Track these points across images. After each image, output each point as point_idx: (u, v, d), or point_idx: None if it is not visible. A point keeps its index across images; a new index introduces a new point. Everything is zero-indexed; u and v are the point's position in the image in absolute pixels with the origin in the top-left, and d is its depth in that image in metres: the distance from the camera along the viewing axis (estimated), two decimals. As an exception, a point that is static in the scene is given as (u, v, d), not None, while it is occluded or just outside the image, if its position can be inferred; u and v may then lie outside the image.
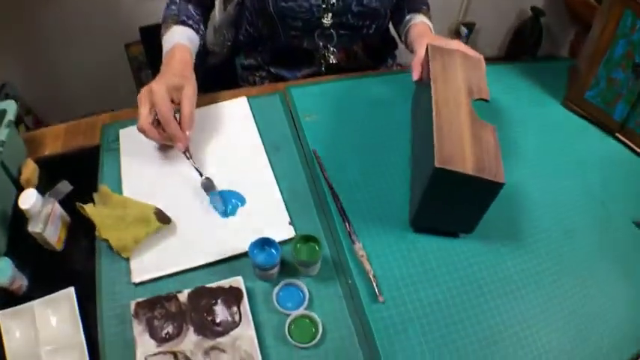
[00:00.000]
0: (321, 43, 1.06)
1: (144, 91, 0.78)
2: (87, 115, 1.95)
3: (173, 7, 0.94)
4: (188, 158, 0.82)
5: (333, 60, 1.10)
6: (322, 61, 1.11)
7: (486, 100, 0.79)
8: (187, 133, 0.80)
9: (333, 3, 0.98)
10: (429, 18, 1.06)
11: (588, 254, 0.82)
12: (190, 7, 0.95)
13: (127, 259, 0.74)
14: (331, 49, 1.08)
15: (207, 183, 0.81)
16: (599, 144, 1.01)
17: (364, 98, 1.02)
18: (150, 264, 0.73)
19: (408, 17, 1.05)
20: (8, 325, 0.68)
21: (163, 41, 0.91)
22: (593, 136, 1.02)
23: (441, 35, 0.97)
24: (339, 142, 0.92)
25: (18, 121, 1.83)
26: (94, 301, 0.71)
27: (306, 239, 0.71)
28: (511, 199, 0.86)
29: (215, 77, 1.27)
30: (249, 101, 0.97)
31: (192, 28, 0.92)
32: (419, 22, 1.02)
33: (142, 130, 0.78)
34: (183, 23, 0.91)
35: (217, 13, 1.15)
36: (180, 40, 0.87)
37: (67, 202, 0.81)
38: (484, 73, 0.84)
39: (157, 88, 0.77)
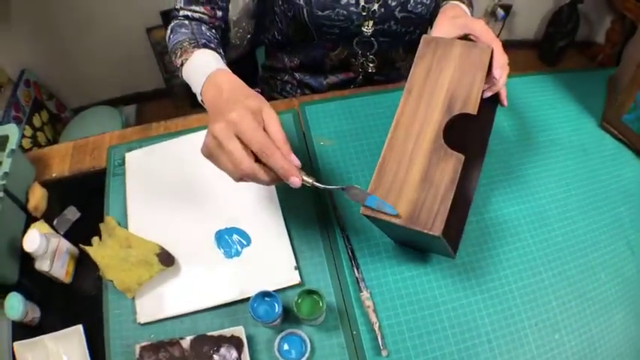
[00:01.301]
0: (359, 52, 0.99)
1: (221, 128, 0.55)
2: (112, 99, 1.95)
3: (184, 30, 0.78)
4: (312, 185, 0.60)
5: (372, 69, 1.03)
6: (360, 69, 1.03)
7: (472, 115, 0.65)
8: (292, 158, 0.58)
9: (375, 10, 0.89)
10: (469, 5, 0.90)
11: (607, 297, 0.78)
12: (204, 28, 0.80)
13: (133, 298, 0.74)
14: (370, 57, 1.00)
15: (355, 192, 0.62)
16: (633, 171, 0.94)
17: (389, 118, 0.95)
18: (154, 305, 0.74)
19: (442, 4, 0.92)
20: (24, 356, 0.71)
21: (186, 73, 0.72)
22: (627, 162, 0.95)
23: (477, 17, 0.82)
24: (357, 175, 0.87)
25: (40, 107, 1.85)
26: (103, 332, 0.72)
27: (309, 292, 0.69)
28: (530, 231, 0.82)
29: (235, 73, 1.22)
30: (258, 122, 0.93)
31: (217, 53, 0.73)
32: (450, 4, 0.85)
33: (249, 174, 0.56)
34: (206, 46, 0.73)
35: (231, 7, 1.08)
36: (219, 66, 0.68)
37: (75, 228, 0.83)
38: (485, 68, 0.67)
39: (239, 114, 0.55)
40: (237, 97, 0.60)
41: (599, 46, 2.48)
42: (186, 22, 0.81)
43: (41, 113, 1.83)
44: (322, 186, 0.60)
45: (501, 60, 0.68)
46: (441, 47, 0.70)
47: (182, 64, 0.73)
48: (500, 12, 2.17)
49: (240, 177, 0.57)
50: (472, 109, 0.65)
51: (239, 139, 0.55)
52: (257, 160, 0.56)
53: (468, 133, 0.71)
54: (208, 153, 0.58)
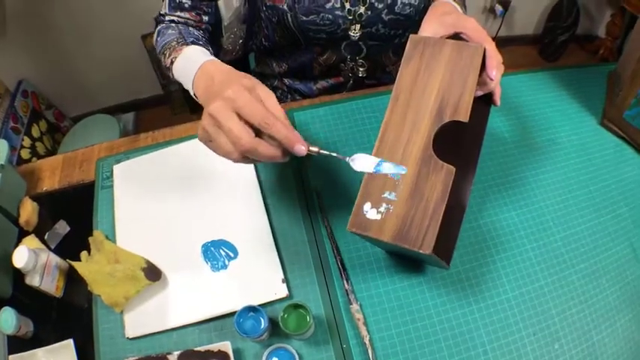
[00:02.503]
0: (348, 56, 0.97)
1: (217, 106, 0.53)
2: (110, 107, 1.95)
3: (171, 31, 0.79)
4: (318, 153, 0.58)
5: (362, 73, 1.00)
6: (350, 74, 1.01)
7: (463, 122, 0.61)
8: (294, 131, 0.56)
9: (362, 13, 0.87)
10: (461, 4, 0.86)
11: (609, 303, 0.75)
12: (191, 29, 0.82)
13: (121, 313, 0.73)
14: (360, 61, 0.98)
15: (361, 162, 0.61)
16: (635, 170, 0.90)
17: (380, 122, 0.92)
18: (142, 320, 0.72)
19: (432, 2, 0.87)
20: (18, 370, 0.71)
21: (177, 70, 0.72)
22: (629, 160, 0.92)
23: (476, 14, 0.77)
24: (346, 182, 0.84)
25: (39, 117, 1.86)
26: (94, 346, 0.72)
27: (295, 306, 0.67)
28: (528, 236, 0.79)
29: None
30: (247, 130, 0.91)
31: (206, 49, 0.73)
32: (439, 1, 0.79)
33: (249, 149, 0.52)
34: (194, 44, 0.74)
35: (224, 11, 1.07)
36: (210, 58, 0.67)
37: (66, 242, 0.82)
38: (478, 70, 0.63)
39: (235, 91, 0.53)
40: (230, 79, 0.57)
41: (601, 40, 2.43)
42: (173, 24, 0.81)
43: (40, 123, 1.83)
44: (327, 152, 0.58)
45: (496, 60, 0.65)
46: (430, 48, 0.66)
47: (172, 63, 0.73)
48: (499, 8, 2.14)
49: (241, 154, 0.54)
50: (464, 115, 0.61)
51: (238, 115, 0.53)
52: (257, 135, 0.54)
53: (459, 137, 0.69)
54: (205, 136, 0.55)
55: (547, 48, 2.51)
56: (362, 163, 0.60)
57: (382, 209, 0.60)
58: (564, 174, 0.88)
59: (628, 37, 2.16)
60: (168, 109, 2.22)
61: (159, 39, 0.81)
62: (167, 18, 0.84)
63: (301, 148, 0.54)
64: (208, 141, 0.55)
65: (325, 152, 0.58)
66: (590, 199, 0.85)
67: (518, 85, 1.01)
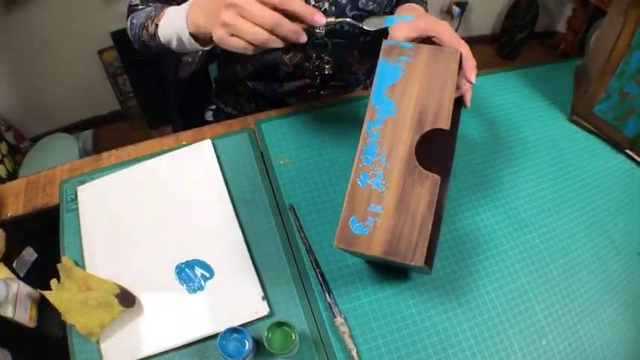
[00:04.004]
0: (314, 54, 0.96)
1: None
2: (69, 125, 1.88)
3: (147, 9, 0.83)
4: (334, 22, 0.65)
5: (327, 70, 0.99)
6: (316, 72, 0.99)
7: (444, 130, 0.60)
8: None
9: (326, 9, 0.86)
10: (424, 4, 0.94)
11: (592, 296, 0.76)
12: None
13: (98, 341, 0.69)
14: (325, 58, 0.97)
15: (374, 22, 0.69)
16: (608, 162, 0.92)
17: (352, 130, 0.88)
18: (120, 348, 0.69)
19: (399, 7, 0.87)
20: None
21: (163, 28, 0.74)
22: (601, 154, 0.93)
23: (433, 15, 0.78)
24: (320, 193, 0.82)
25: (-1, 139, 1.78)
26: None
27: (279, 324, 0.65)
28: (506, 236, 0.79)
29: (188, 92, 1.18)
30: (214, 144, 0.87)
31: None
32: (407, 5, 0.81)
33: (278, 24, 0.56)
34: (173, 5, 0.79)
35: None
36: None
37: (35, 269, 0.78)
38: (455, 75, 0.62)
39: None
40: None
41: (561, 35, 2.46)
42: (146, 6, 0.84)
43: (0, 146, 1.76)
44: (342, 19, 0.68)
45: (472, 63, 0.64)
46: (405, 54, 0.64)
47: (157, 26, 0.76)
48: (456, 9, 2.16)
49: (268, 33, 0.56)
50: (445, 122, 0.60)
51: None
52: None
53: (434, 143, 0.68)
54: (223, 32, 0.58)
55: (505, 47, 2.51)
56: (373, 22, 0.68)
57: (369, 223, 0.59)
58: (537, 171, 0.88)
59: (590, 30, 2.21)
60: (127, 125, 2.18)
61: (134, 20, 0.83)
62: (139, 7, 0.86)
63: (320, 18, 0.58)
64: (229, 35, 0.57)
65: (340, 20, 0.67)
66: (565, 195, 0.86)
67: (484, 86, 1.01)
